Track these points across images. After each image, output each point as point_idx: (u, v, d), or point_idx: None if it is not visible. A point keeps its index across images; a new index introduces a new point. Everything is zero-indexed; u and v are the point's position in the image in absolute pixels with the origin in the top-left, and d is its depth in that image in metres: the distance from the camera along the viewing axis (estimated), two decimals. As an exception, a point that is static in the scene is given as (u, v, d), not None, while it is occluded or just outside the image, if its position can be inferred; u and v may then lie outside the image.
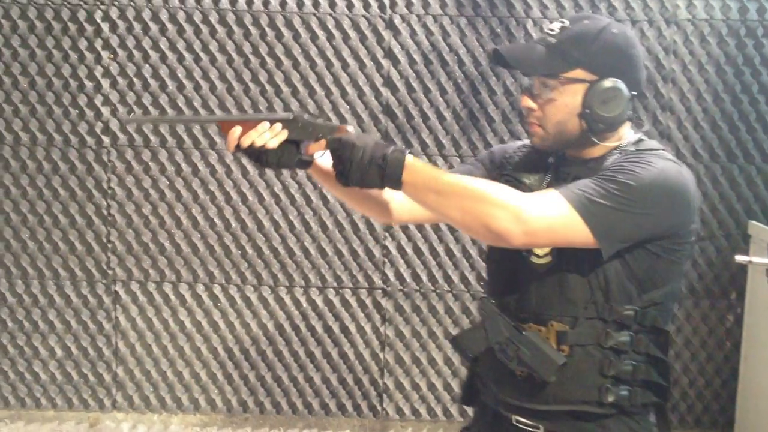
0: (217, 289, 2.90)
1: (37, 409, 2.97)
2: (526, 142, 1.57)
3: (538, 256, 1.41)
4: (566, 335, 1.37)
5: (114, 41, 2.79)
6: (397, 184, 1.34)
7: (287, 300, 2.90)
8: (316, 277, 2.89)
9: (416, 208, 1.47)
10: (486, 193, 1.30)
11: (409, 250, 2.87)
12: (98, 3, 2.77)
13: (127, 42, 2.79)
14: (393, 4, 2.78)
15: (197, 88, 2.81)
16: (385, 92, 2.81)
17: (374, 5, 2.78)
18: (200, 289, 2.90)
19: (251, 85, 2.80)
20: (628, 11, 2.75)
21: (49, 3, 2.77)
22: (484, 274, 2.85)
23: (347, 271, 2.88)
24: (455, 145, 2.83)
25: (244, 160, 2.79)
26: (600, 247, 1.30)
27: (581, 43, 1.36)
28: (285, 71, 2.80)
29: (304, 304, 2.90)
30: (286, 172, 2.81)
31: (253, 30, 2.79)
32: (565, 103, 1.37)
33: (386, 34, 2.79)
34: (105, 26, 2.78)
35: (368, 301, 2.89)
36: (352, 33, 2.79)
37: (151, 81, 2.81)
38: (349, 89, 2.80)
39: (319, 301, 2.90)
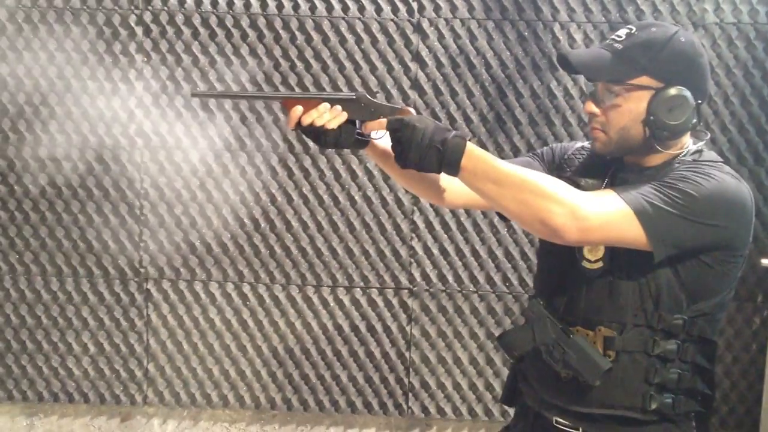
0: (246, 288, 2.95)
1: (70, 404, 3.04)
2: (585, 144, 1.58)
3: (590, 261, 1.41)
4: (613, 341, 1.38)
5: (147, 45, 2.85)
6: (454, 169, 1.35)
7: (315, 299, 2.94)
8: (344, 277, 2.93)
9: (470, 194, 1.45)
10: (544, 187, 1.30)
11: (435, 251, 2.90)
12: (132, 8, 2.84)
13: (160, 46, 2.85)
14: (421, 8, 2.81)
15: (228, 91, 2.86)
16: (413, 95, 2.84)
17: (402, 9, 2.81)
18: (230, 288, 2.95)
19: (281, 88, 2.84)
20: (656, 14, 2.75)
21: (85, 8, 2.83)
22: (510, 275, 2.88)
23: (374, 271, 2.92)
24: (482, 147, 2.84)
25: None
26: (652, 250, 1.30)
27: (649, 51, 1.36)
28: (314, 74, 2.84)
29: (332, 304, 2.94)
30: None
31: (283, 34, 2.83)
32: (629, 109, 1.38)
33: (414, 38, 2.82)
34: (139, 30, 2.84)
35: (395, 301, 2.93)
36: (380, 36, 2.82)
37: (184, 84, 2.86)
38: (377, 92, 2.84)
39: (346, 300, 2.94)
